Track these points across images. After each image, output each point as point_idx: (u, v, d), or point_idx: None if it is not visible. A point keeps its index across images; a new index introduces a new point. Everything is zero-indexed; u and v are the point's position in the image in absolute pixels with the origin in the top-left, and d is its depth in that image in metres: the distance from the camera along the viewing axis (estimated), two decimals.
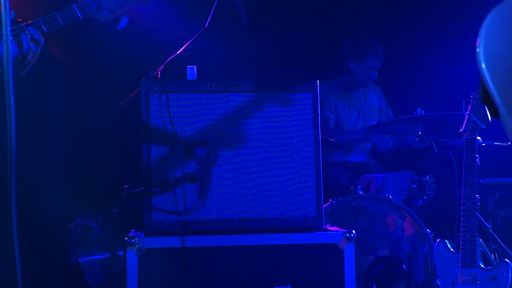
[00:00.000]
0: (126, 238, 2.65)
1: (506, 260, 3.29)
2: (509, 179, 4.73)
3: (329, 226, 2.94)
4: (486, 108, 3.23)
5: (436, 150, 4.18)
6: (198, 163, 2.72)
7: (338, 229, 2.82)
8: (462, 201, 3.19)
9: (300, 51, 5.28)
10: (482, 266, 3.29)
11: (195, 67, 2.89)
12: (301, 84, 2.83)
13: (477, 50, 1.28)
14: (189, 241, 2.67)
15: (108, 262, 3.62)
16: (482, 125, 3.23)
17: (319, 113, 2.82)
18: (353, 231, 2.74)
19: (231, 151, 2.77)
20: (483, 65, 1.25)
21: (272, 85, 2.83)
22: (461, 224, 3.17)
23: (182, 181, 2.72)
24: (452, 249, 3.31)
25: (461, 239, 3.19)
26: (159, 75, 2.84)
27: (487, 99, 1.28)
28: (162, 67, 2.94)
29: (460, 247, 3.21)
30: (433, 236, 3.88)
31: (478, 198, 3.33)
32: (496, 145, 4.18)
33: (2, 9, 1.80)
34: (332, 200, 3.93)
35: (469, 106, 3.27)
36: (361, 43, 4.90)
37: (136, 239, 2.64)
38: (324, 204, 2.85)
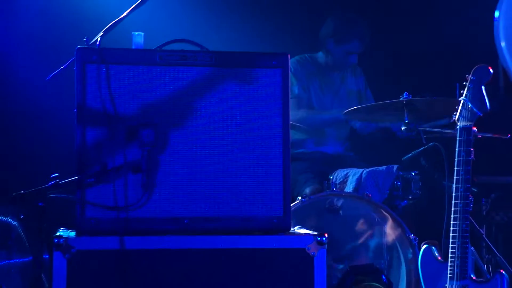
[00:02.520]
0: (53, 238, 2.60)
1: (502, 271, 3.34)
2: (507, 178, 4.80)
3: (297, 229, 2.94)
4: (485, 93, 3.28)
5: (424, 142, 4.21)
6: (143, 149, 2.69)
7: (307, 232, 2.82)
8: (453, 202, 3.22)
9: (270, 21, 5.27)
10: (474, 278, 3.33)
11: (142, 34, 2.85)
12: (269, 58, 2.82)
13: (496, 25, 1.27)
14: (130, 243, 2.64)
15: (31, 267, 3.57)
16: (479, 113, 3.26)
17: (289, 93, 2.81)
18: (325, 235, 2.75)
19: (183, 136, 2.75)
20: (503, 44, 1.24)
21: (235, 58, 2.81)
22: (451, 229, 3.19)
23: (123, 170, 2.68)
24: (440, 258, 3.35)
25: (450, 246, 3.22)
26: (98, 42, 2.79)
27: (498, 82, 1.26)
28: (102, 33, 2.89)
29: (450, 255, 3.24)
30: (418, 242, 3.91)
31: (471, 199, 3.36)
32: (494, 137, 4.23)
33: None
34: (301, 198, 3.94)
35: (464, 91, 3.30)
36: (345, 22, 4.90)
37: (66, 239, 2.60)
38: (292, 203, 2.84)
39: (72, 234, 2.68)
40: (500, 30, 1.24)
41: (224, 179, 2.76)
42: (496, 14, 1.25)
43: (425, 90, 4.37)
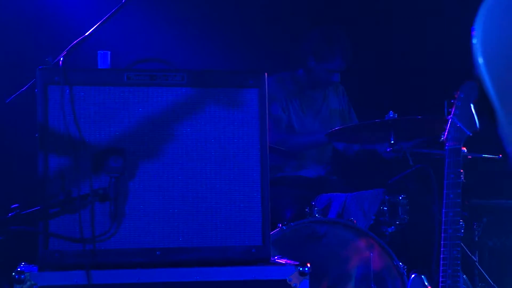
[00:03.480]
0: (13, 274, 2.57)
1: None
2: (499, 202, 4.82)
3: (277, 258, 2.93)
4: (474, 112, 3.30)
5: (411, 163, 4.23)
6: (110, 176, 2.67)
7: (289, 261, 2.82)
8: (443, 227, 3.23)
9: (245, 38, 5.29)
10: None
11: (109, 52, 2.85)
12: (245, 77, 2.82)
13: (474, 41, 1.28)
14: (98, 277, 2.61)
15: None
16: (468, 132, 3.29)
17: (267, 114, 2.81)
18: (308, 265, 2.74)
19: (154, 161, 2.74)
20: (481, 60, 1.26)
21: (208, 77, 2.81)
22: (441, 256, 3.20)
23: (89, 199, 2.67)
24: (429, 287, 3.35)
25: (441, 274, 3.23)
26: (60, 62, 2.78)
27: (483, 101, 1.28)
28: (65, 52, 2.88)
29: (440, 284, 3.24)
30: (407, 270, 3.91)
31: (462, 225, 3.37)
32: (485, 158, 4.26)
33: None
34: (281, 226, 3.93)
35: (452, 109, 3.32)
36: (326, 37, 4.92)
37: (27, 274, 2.58)
38: (271, 231, 2.84)
39: (35, 269, 2.65)
40: (478, 44, 1.25)
41: (199, 206, 2.74)
42: (475, 27, 1.27)
43: (411, 109, 4.40)
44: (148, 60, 2.87)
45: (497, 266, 4.77)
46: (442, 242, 3.23)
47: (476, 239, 4.72)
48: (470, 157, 4.00)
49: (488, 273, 4.39)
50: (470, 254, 4.24)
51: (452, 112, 3.32)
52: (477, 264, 4.31)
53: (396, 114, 4.14)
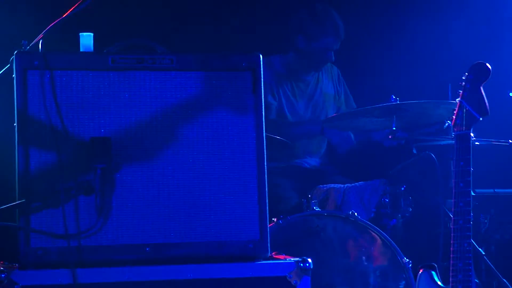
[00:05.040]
0: None
1: None
2: (509, 191, 4.84)
3: (275, 254, 2.93)
4: (484, 94, 3.30)
5: (414, 152, 4.23)
6: (96, 167, 2.66)
7: (288, 257, 2.82)
8: (452, 218, 3.23)
9: (234, 21, 5.27)
10: None
11: (92, 34, 2.83)
12: (238, 60, 2.82)
13: None
14: (84, 276, 2.61)
15: None
16: (478, 116, 3.28)
17: (262, 99, 2.81)
18: (309, 260, 2.75)
19: (142, 151, 2.73)
20: None
21: (198, 60, 2.81)
22: (451, 249, 3.20)
23: (73, 192, 2.66)
24: (440, 283, 3.35)
25: (451, 269, 3.23)
26: (40, 45, 2.76)
27: None
28: (42, 34, 2.87)
29: (451, 279, 3.24)
30: (412, 266, 3.92)
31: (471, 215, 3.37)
32: (493, 144, 4.26)
33: None
34: (277, 219, 3.92)
35: (461, 92, 3.32)
36: (315, 15, 4.91)
37: (8, 273, 2.57)
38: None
39: (16, 267, 2.63)
40: None
41: (191, 199, 2.74)
42: None
43: (412, 93, 4.41)
44: (134, 41, 2.86)
45: (503, 260, 4.79)
46: (451, 234, 3.23)
47: (483, 231, 4.74)
48: (477, 143, 4.00)
49: (496, 267, 4.41)
50: (478, 247, 4.25)
51: (461, 95, 3.31)
52: (484, 257, 4.32)
53: (398, 99, 4.14)
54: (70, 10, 2.99)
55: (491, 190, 4.81)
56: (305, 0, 5.11)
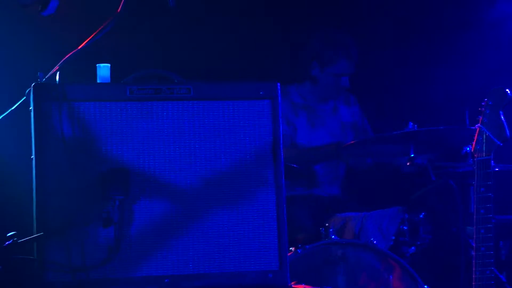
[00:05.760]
0: None
1: None
2: None
3: (294, 284, 2.91)
4: (503, 119, 3.28)
5: (433, 179, 4.21)
6: (114, 198, 2.66)
7: (307, 287, 2.79)
8: (475, 245, 3.20)
9: (250, 50, 5.28)
10: None
11: (109, 65, 2.84)
12: (256, 88, 2.81)
13: None
14: None
15: None
16: (498, 142, 3.26)
17: (281, 127, 2.80)
18: None
19: (160, 182, 2.72)
20: None
21: (216, 89, 2.81)
22: (473, 277, 3.17)
23: (91, 224, 2.65)
24: None
25: None
26: (57, 77, 2.77)
27: None
28: (58, 66, 2.87)
29: None
30: None
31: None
32: None
33: None
34: (296, 249, 3.90)
35: (481, 117, 3.30)
36: (328, 40, 4.91)
37: None
38: None
39: None
40: None
41: (210, 230, 2.73)
42: None
43: (428, 119, 4.38)
44: (151, 72, 2.85)
45: None
46: (473, 262, 3.20)
47: (504, 258, 4.69)
48: (497, 169, 3.97)
49: None
50: (499, 274, 4.20)
51: (481, 121, 3.29)
52: (506, 285, 4.27)
53: (416, 125, 4.12)
54: (87, 41, 3.00)
55: (511, 217, 4.77)
56: (320, 27, 5.11)
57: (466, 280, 3.85)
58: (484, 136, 3.26)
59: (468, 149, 3.83)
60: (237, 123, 2.79)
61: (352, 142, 4.47)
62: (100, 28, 3.06)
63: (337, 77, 4.89)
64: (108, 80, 2.82)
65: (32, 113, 2.71)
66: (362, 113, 5.18)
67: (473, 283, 3.20)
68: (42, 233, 2.63)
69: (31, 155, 2.69)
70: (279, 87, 2.83)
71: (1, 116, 2.99)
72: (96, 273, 2.65)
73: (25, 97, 2.78)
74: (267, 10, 5.34)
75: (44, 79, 2.81)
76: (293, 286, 2.87)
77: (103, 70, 2.83)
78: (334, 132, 5.04)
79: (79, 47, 2.98)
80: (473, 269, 3.19)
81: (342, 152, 4.70)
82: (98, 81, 2.82)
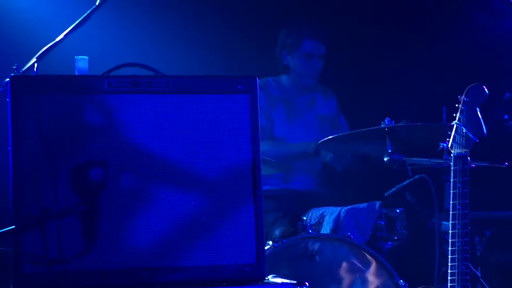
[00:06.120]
0: None
1: None
2: (504, 214, 4.83)
3: (271, 277, 2.91)
4: (480, 116, 3.30)
5: (410, 174, 4.22)
6: (91, 191, 2.64)
7: (285, 281, 2.79)
8: (450, 240, 3.22)
9: (227, 44, 5.28)
10: None
11: (87, 58, 2.82)
12: (235, 83, 2.80)
13: None
14: None
15: None
16: (475, 138, 3.29)
17: (259, 122, 2.79)
18: (306, 284, 2.72)
19: (138, 174, 2.70)
20: None
21: (195, 83, 2.79)
22: (449, 271, 3.19)
23: (68, 215, 2.63)
24: None
25: None
26: (35, 69, 2.75)
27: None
28: (36, 58, 2.85)
29: None
30: None
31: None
32: (488, 167, 4.25)
33: None
34: (273, 243, 3.90)
35: (457, 114, 3.32)
36: (292, 26, 4.95)
37: None
38: None
39: None
40: None
41: (187, 223, 2.71)
42: None
43: (406, 116, 4.40)
44: (130, 65, 2.84)
45: (498, 283, 4.77)
46: (449, 257, 3.22)
47: (479, 254, 4.72)
48: (473, 165, 3.99)
49: None
50: (474, 269, 4.23)
51: (457, 117, 3.31)
52: (481, 279, 4.30)
53: (394, 121, 4.14)
54: (65, 33, 2.99)
55: (487, 213, 4.80)
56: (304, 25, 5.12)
57: (441, 275, 3.87)
58: (461, 132, 3.28)
59: (444, 145, 3.84)
60: (216, 117, 2.77)
61: (329, 137, 4.47)
62: (78, 20, 3.05)
63: (308, 59, 4.90)
64: (87, 73, 2.80)
65: (9, 105, 2.68)
66: (339, 108, 5.19)
67: (449, 278, 3.22)
68: (18, 225, 2.61)
69: (8, 147, 2.67)
70: (258, 82, 2.82)
71: None
72: (73, 265, 2.62)
73: (1, 89, 2.76)
74: (244, 8, 5.34)
75: (21, 71, 2.79)
76: (269, 280, 2.86)
77: (81, 62, 2.81)
78: (311, 125, 5.05)
79: (57, 39, 2.96)
80: (449, 264, 3.21)
81: (319, 148, 4.72)
82: (76, 74, 2.80)
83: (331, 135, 4.96)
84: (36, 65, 2.79)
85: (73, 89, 2.70)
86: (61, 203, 2.64)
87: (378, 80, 5.49)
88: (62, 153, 2.66)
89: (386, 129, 4.14)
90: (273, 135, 4.95)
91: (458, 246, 3.21)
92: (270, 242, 3.94)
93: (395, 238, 4.30)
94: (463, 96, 3.32)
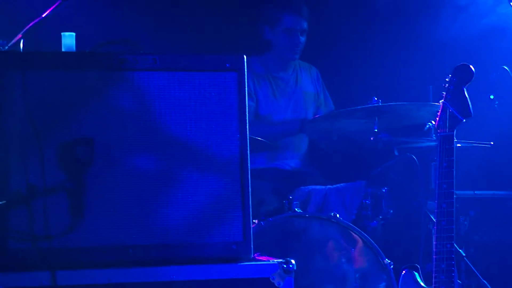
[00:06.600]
0: None
1: None
2: (488, 193, 4.85)
3: (258, 256, 2.91)
4: (467, 96, 3.30)
5: (396, 154, 4.23)
6: (78, 168, 2.63)
7: (271, 259, 2.80)
8: (436, 219, 3.23)
9: (213, 22, 5.26)
10: None
11: (74, 34, 2.80)
12: (222, 60, 2.79)
13: None
14: (64, 278, 2.57)
15: None
16: (461, 118, 3.29)
17: (246, 99, 2.79)
18: (292, 262, 2.73)
19: (125, 152, 2.69)
20: None
21: (182, 61, 2.78)
22: (434, 250, 3.20)
23: (55, 192, 2.62)
24: (423, 284, 3.35)
25: (434, 269, 3.23)
26: (21, 45, 2.73)
27: None
28: (21, 34, 2.83)
29: (434, 280, 3.24)
30: (393, 267, 3.92)
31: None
32: (475, 146, 4.27)
33: None
34: (259, 221, 3.91)
35: (444, 94, 3.32)
36: (272, 1, 4.94)
37: None
38: None
39: None
40: None
41: (175, 200, 2.71)
42: None
43: (392, 95, 4.40)
44: (116, 41, 2.82)
45: (482, 262, 4.80)
46: (434, 235, 3.23)
47: (463, 233, 4.75)
48: (459, 145, 4.01)
49: (475, 268, 4.42)
50: (458, 248, 4.25)
51: (444, 97, 3.31)
52: (465, 258, 4.33)
53: (380, 101, 4.14)
54: (51, 9, 2.96)
55: (471, 192, 4.82)
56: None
57: (426, 253, 3.89)
58: (448, 112, 3.29)
59: (431, 124, 3.85)
60: (203, 95, 2.76)
61: (316, 116, 4.47)
62: None
63: (289, 34, 4.89)
64: (73, 49, 2.78)
65: None
66: (324, 86, 5.18)
67: (434, 257, 3.24)
68: (4, 201, 2.60)
69: None
70: (245, 60, 2.81)
71: None
72: (59, 242, 2.62)
73: None
74: None
75: (7, 47, 2.77)
76: (256, 257, 2.87)
77: (68, 39, 2.79)
78: (296, 103, 5.04)
79: (42, 15, 2.94)
80: (434, 242, 3.23)
81: (306, 127, 4.72)
82: (63, 50, 2.78)
83: (316, 113, 4.97)
84: (22, 41, 2.76)
85: (60, 66, 2.69)
86: (48, 180, 2.63)
87: (364, 59, 5.49)
88: (49, 130, 2.65)
89: (373, 108, 4.14)
90: (258, 113, 4.94)
91: (443, 225, 3.22)
92: (256, 221, 3.94)
93: (381, 217, 4.31)
94: (450, 76, 3.32)
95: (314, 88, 5.13)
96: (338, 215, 4.00)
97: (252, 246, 2.77)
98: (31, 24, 2.92)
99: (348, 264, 4.05)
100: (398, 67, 5.42)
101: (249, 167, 2.78)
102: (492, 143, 4.28)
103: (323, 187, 4.43)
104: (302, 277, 3.97)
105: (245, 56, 2.82)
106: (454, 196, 3.26)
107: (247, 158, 2.78)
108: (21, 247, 2.61)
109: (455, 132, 3.30)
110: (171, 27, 4.99)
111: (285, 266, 2.72)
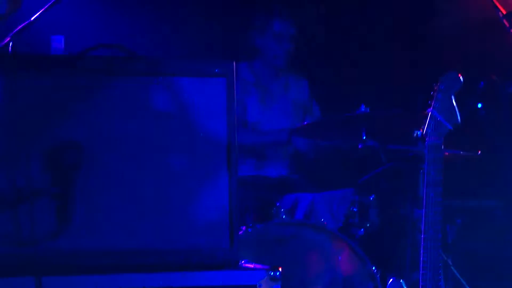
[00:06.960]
0: None
1: None
2: (475, 202, 4.87)
3: (244, 263, 2.91)
4: (455, 104, 3.31)
5: (384, 161, 4.24)
6: (66, 172, 2.62)
7: (258, 266, 2.79)
8: (423, 228, 3.23)
9: (205, 29, 5.27)
10: None
11: (63, 37, 2.79)
12: (211, 66, 2.79)
13: None
14: (49, 284, 2.55)
15: None
16: (449, 126, 3.30)
17: (235, 106, 2.78)
18: (279, 269, 2.72)
19: (112, 157, 2.68)
20: None
21: (171, 66, 2.77)
22: (421, 259, 3.21)
23: (41, 197, 2.61)
24: None
25: (421, 278, 3.23)
26: (10, 47, 2.72)
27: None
28: (10, 37, 2.82)
29: None
30: (380, 275, 3.92)
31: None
32: (461, 155, 4.28)
33: None
34: (246, 228, 3.90)
35: (432, 102, 3.32)
36: (261, 7, 4.95)
37: None
38: None
39: None
40: None
41: (161, 206, 2.70)
42: None
43: (380, 103, 4.41)
44: (105, 45, 2.81)
45: (470, 270, 4.81)
46: (422, 244, 3.23)
47: (450, 242, 4.76)
48: (446, 153, 4.01)
49: (462, 277, 4.42)
50: (445, 257, 4.26)
51: (432, 105, 3.32)
52: (452, 267, 4.33)
53: (368, 108, 4.14)
54: (40, 12, 2.96)
55: (458, 201, 4.83)
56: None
57: (413, 262, 3.89)
58: (435, 120, 3.29)
59: (418, 133, 3.85)
60: (192, 100, 2.76)
61: (304, 124, 4.47)
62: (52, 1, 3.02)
63: (277, 40, 4.89)
64: (62, 52, 2.77)
65: None
66: (311, 94, 5.19)
67: (421, 265, 3.24)
68: None
69: None
70: (234, 66, 2.81)
71: None
72: (45, 247, 2.60)
73: None
74: None
75: None
76: (243, 265, 2.86)
77: (57, 41, 2.78)
78: (285, 111, 5.04)
79: (31, 18, 2.93)
80: (421, 251, 3.23)
81: (293, 135, 4.72)
82: (52, 53, 2.77)
83: (304, 121, 4.98)
84: (11, 43, 2.76)
85: (48, 69, 2.68)
86: (34, 184, 2.62)
87: (353, 67, 5.50)
88: (36, 134, 2.64)
89: (361, 116, 4.14)
90: (246, 121, 4.94)
91: (430, 234, 3.23)
92: (243, 227, 3.93)
93: (368, 225, 4.31)
94: (438, 84, 3.33)
95: (303, 96, 5.14)
96: (325, 223, 4.00)
97: (238, 253, 2.76)
98: (20, 27, 2.91)
99: (335, 272, 4.04)
100: (386, 75, 5.43)
101: (237, 173, 2.78)
102: (480, 152, 4.29)
103: (311, 194, 4.43)
104: (289, 285, 3.97)
105: (234, 63, 2.82)
106: (442, 205, 3.26)
107: (235, 165, 2.77)
108: (6, 251, 2.60)
109: (442, 140, 3.31)
110: (160, 32, 4.99)
111: (272, 273, 2.71)
